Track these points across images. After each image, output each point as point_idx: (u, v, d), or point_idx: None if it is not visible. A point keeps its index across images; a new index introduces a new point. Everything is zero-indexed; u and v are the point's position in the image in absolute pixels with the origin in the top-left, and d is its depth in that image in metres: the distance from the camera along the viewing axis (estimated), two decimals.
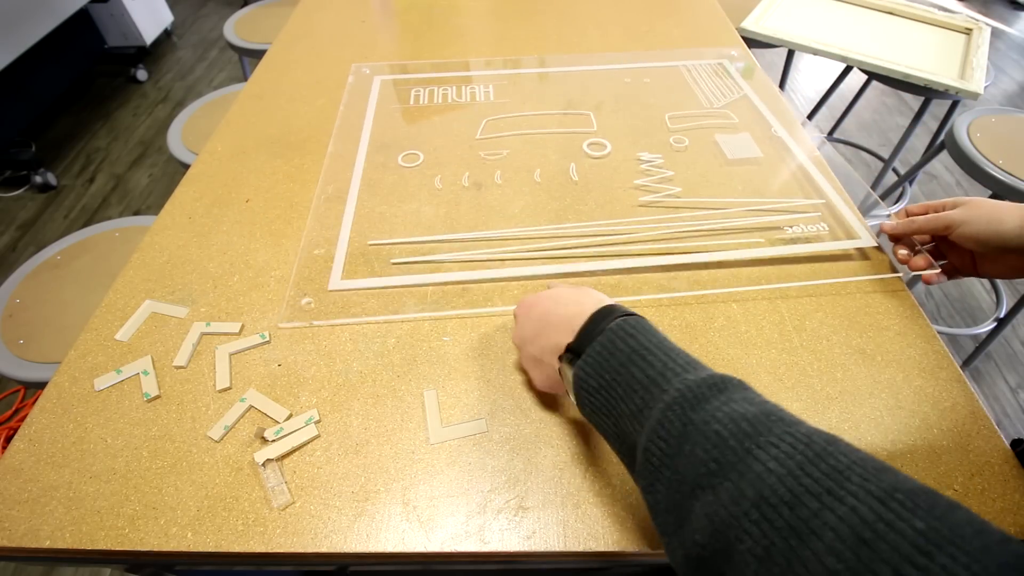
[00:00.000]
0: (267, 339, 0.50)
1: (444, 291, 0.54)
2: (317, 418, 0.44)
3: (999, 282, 1.53)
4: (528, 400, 0.46)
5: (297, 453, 0.42)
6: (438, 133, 0.75)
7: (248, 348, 0.49)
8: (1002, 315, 1.39)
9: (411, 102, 0.81)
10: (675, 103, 0.80)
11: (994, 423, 0.44)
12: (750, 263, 0.57)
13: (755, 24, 1.28)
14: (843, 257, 0.58)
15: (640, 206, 0.63)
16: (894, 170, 1.75)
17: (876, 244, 0.58)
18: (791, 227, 0.60)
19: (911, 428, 0.44)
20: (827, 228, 0.60)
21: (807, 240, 0.58)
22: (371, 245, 0.58)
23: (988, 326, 1.39)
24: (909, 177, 1.52)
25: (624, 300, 0.53)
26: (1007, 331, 1.50)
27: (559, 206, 0.63)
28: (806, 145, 0.72)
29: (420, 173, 0.68)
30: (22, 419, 1.25)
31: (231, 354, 0.49)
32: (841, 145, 2.07)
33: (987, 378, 1.41)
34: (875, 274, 0.55)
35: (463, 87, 0.83)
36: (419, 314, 0.52)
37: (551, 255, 0.57)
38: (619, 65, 0.89)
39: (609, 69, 0.88)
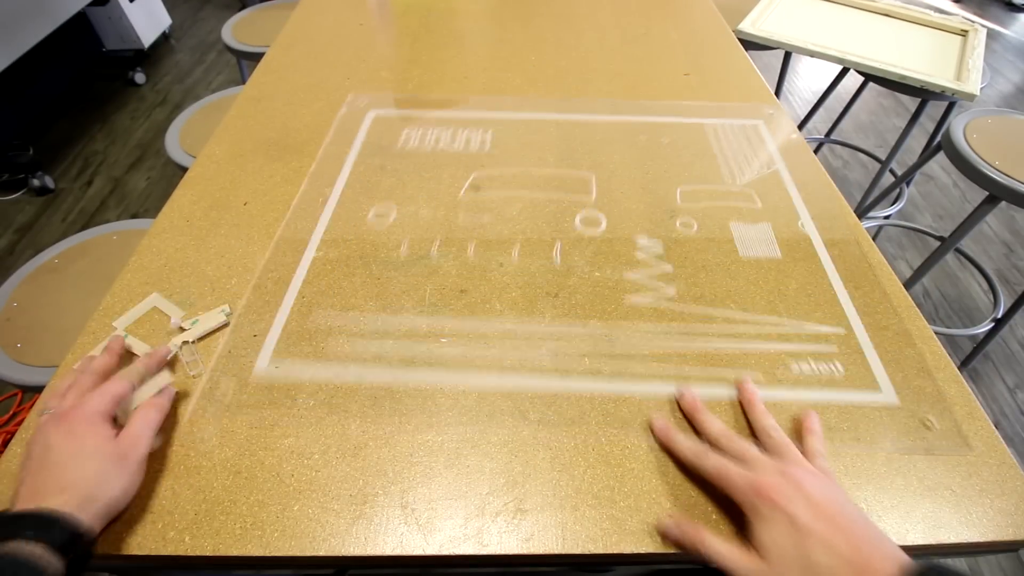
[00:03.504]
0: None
1: (442, 294, 0.54)
2: (229, 311, 0.51)
3: (996, 282, 1.53)
4: (526, 402, 0.46)
5: (295, 455, 0.42)
6: (420, 186, 0.66)
7: (246, 348, 0.49)
8: (1000, 315, 1.39)
9: (400, 144, 0.72)
10: (693, 173, 0.68)
11: (992, 424, 0.45)
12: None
13: (752, 26, 1.29)
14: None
15: (628, 307, 0.53)
16: (891, 171, 1.76)
17: (898, 403, 0.46)
18: (797, 363, 0.48)
19: (911, 428, 0.44)
20: (843, 371, 0.48)
21: (813, 384, 0.47)
22: (309, 326, 0.51)
23: (986, 326, 1.39)
24: (906, 178, 1.53)
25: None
26: (1005, 331, 1.50)
27: (532, 295, 0.54)
28: (839, 244, 0.57)
29: (388, 236, 0.59)
30: (19, 423, 1.24)
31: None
32: (838, 146, 2.08)
33: (985, 378, 1.42)
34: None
35: (459, 130, 0.74)
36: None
37: (517, 362, 0.48)
38: (635, 117, 0.76)
39: (622, 120, 0.75)
